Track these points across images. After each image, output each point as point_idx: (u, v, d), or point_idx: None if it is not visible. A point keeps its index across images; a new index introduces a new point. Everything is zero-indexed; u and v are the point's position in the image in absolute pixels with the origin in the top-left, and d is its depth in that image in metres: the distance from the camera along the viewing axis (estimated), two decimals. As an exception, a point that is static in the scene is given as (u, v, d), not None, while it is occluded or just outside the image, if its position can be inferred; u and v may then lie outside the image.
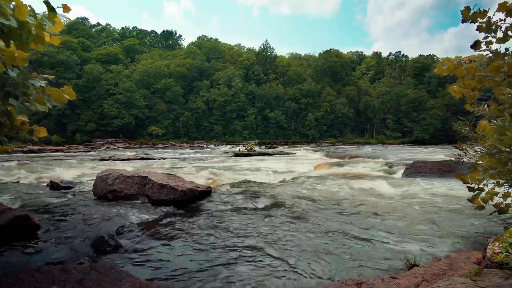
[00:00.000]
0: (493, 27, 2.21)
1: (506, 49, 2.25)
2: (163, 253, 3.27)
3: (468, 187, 2.48)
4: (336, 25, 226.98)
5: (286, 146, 40.61)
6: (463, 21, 2.29)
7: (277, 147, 38.64)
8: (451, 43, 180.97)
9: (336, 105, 63.45)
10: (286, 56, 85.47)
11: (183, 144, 49.30)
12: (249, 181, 8.56)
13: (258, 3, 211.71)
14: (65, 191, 6.95)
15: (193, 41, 76.58)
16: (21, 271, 2.45)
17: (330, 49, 74.69)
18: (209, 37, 76.77)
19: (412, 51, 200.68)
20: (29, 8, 1.96)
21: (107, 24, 75.36)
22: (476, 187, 2.45)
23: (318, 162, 16.07)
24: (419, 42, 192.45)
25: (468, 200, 2.48)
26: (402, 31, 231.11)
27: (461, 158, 2.65)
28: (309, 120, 61.27)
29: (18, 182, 8.51)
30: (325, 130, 62.40)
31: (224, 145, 46.81)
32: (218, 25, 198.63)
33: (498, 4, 2.12)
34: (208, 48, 69.32)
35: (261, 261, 3.10)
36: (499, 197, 2.38)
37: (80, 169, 12.48)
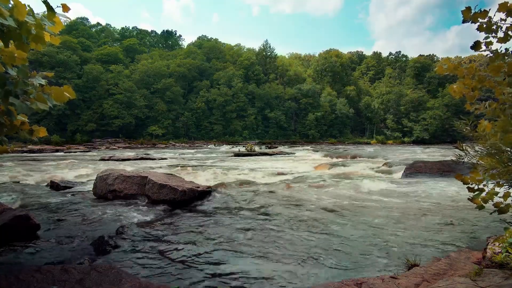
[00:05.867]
0: (494, 27, 2.21)
1: (506, 49, 2.25)
2: (163, 253, 3.27)
3: (468, 187, 2.48)
4: (337, 24, 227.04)
5: (286, 146, 40.61)
6: (463, 21, 2.29)
7: (277, 147, 38.60)
8: (454, 42, 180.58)
9: (336, 105, 63.46)
10: (286, 56, 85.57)
11: (183, 144, 49.28)
12: (249, 181, 8.55)
13: (259, 1, 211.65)
14: (65, 191, 6.95)
15: (193, 41, 76.70)
16: (21, 271, 2.45)
17: (330, 49, 74.89)
18: (209, 37, 76.83)
19: (414, 50, 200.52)
20: (28, 8, 1.96)
21: (107, 24, 75.48)
22: (476, 187, 2.45)
23: (318, 162, 16.07)
24: (422, 41, 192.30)
25: (469, 199, 2.48)
26: (405, 29, 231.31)
27: (462, 158, 2.65)
28: (309, 120, 61.30)
29: (18, 182, 8.50)
30: (325, 130, 62.43)
31: (224, 145, 46.80)
32: (218, 24, 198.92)
33: (499, 4, 2.12)
34: (208, 48, 69.38)
35: (261, 261, 3.10)
36: (499, 197, 2.38)
37: (80, 169, 12.48)
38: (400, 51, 79.42)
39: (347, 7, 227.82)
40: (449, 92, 2.70)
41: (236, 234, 3.95)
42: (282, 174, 11.07)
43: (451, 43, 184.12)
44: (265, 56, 69.74)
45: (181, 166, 13.95)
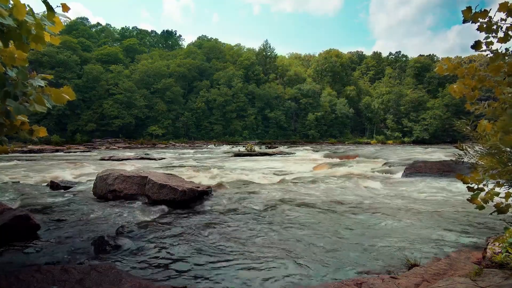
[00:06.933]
0: (494, 27, 2.20)
1: (507, 49, 2.25)
2: (163, 253, 3.27)
3: (468, 187, 2.48)
4: (337, 24, 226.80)
5: (286, 146, 40.58)
6: (464, 21, 2.29)
7: (277, 147, 38.57)
8: (455, 41, 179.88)
9: (336, 105, 63.47)
10: (286, 56, 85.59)
11: (183, 144, 49.27)
12: (249, 181, 8.56)
13: (260, 0, 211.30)
14: (65, 191, 6.95)
15: (193, 41, 76.72)
16: (21, 271, 2.45)
17: (330, 49, 74.92)
18: (209, 37, 76.85)
19: (415, 50, 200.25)
20: (28, 8, 1.96)
21: (107, 24, 75.52)
22: (476, 187, 2.45)
23: (318, 162, 16.07)
24: (423, 41, 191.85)
25: (468, 200, 2.48)
26: (405, 29, 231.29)
27: (461, 158, 2.65)
28: (309, 120, 61.30)
29: (18, 182, 8.50)
30: (325, 130, 62.43)
31: (224, 145, 46.78)
32: (218, 24, 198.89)
33: (499, 4, 2.12)
34: (208, 48, 69.38)
35: (260, 261, 3.10)
36: (500, 197, 2.38)
37: (80, 169, 12.48)
38: (400, 51, 79.46)
39: (347, 7, 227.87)
40: (449, 92, 2.70)
41: (236, 233, 3.95)
42: (282, 174, 11.07)
43: (452, 43, 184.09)
44: (265, 56, 69.75)
45: (181, 166, 13.95)
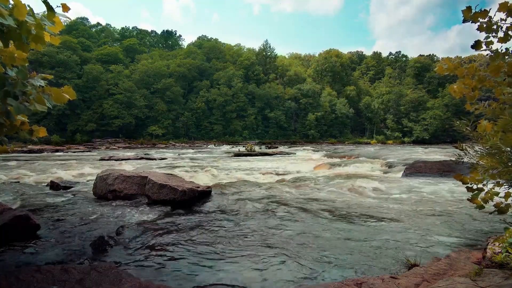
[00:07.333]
0: (494, 27, 2.21)
1: (507, 49, 2.25)
2: (163, 253, 3.27)
3: (467, 187, 2.49)
4: (338, 24, 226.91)
5: (286, 146, 40.60)
6: (464, 21, 2.30)
7: (277, 147, 38.57)
8: (455, 41, 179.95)
9: (336, 105, 63.50)
10: (286, 56, 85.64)
11: (183, 144, 49.29)
12: (249, 181, 8.55)
13: (260, 0, 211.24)
14: (65, 191, 6.94)
15: (193, 41, 76.78)
16: (21, 271, 2.45)
17: (330, 49, 75.02)
18: (209, 37, 76.87)
19: (415, 50, 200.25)
20: (28, 8, 1.96)
21: (107, 24, 75.57)
22: (475, 187, 2.45)
23: (318, 162, 16.07)
24: (423, 41, 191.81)
25: (468, 200, 2.48)
26: (406, 29, 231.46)
27: (461, 158, 2.65)
28: (309, 120, 61.32)
29: (18, 182, 8.49)
30: (325, 130, 62.46)
31: (224, 145, 46.81)
32: (218, 24, 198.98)
33: (499, 4, 2.12)
34: (208, 48, 69.42)
35: (260, 261, 3.10)
36: (499, 197, 2.38)
37: (80, 169, 12.48)
38: (400, 51, 79.57)
39: (347, 7, 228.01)
40: (449, 92, 2.71)
41: (235, 233, 3.95)
42: (282, 174, 11.07)
43: (452, 43, 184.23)
44: (265, 56, 69.81)
45: (181, 166, 13.95)
